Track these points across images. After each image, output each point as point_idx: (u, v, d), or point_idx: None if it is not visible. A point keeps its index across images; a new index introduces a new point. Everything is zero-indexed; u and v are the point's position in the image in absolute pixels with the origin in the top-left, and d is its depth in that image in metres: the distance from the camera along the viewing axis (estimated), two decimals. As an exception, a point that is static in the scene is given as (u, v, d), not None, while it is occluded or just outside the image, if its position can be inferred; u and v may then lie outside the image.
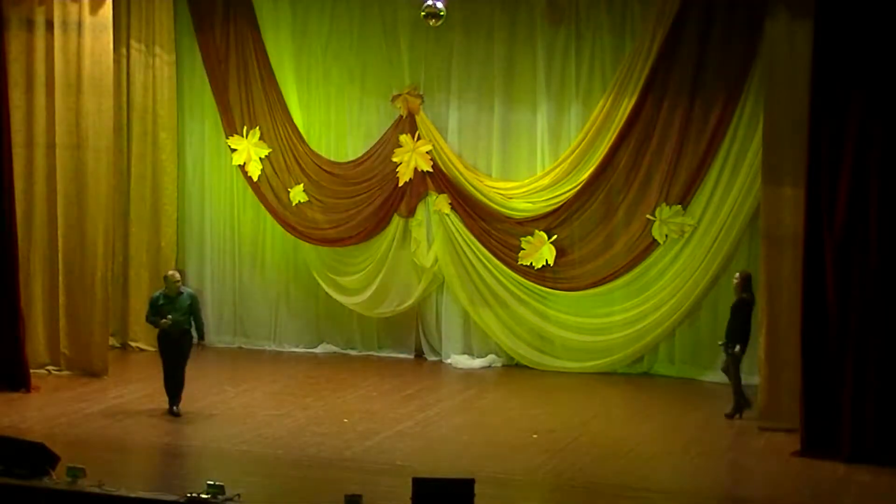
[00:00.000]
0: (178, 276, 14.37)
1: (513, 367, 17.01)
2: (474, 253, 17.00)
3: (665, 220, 16.17)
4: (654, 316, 16.26)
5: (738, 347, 14.13)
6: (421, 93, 17.19)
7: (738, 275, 14.53)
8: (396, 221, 17.32)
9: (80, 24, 15.81)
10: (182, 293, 14.06)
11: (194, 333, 14.12)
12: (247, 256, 18.15)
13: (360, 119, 17.60)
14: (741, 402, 14.24)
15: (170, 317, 13.80)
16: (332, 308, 17.79)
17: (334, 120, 17.71)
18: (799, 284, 13.06)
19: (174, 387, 14.03)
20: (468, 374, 16.84)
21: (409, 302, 17.39)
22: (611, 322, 16.57)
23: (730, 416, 14.23)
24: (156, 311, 13.92)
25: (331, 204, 17.52)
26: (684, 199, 16.11)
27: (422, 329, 17.66)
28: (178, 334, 13.94)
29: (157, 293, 14.24)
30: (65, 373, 15.95)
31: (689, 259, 16.15)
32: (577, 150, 16.53)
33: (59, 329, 16.01)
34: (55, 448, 10.68)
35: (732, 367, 14.24)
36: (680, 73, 16.01)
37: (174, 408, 13.97)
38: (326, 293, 17.65)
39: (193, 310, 14.07)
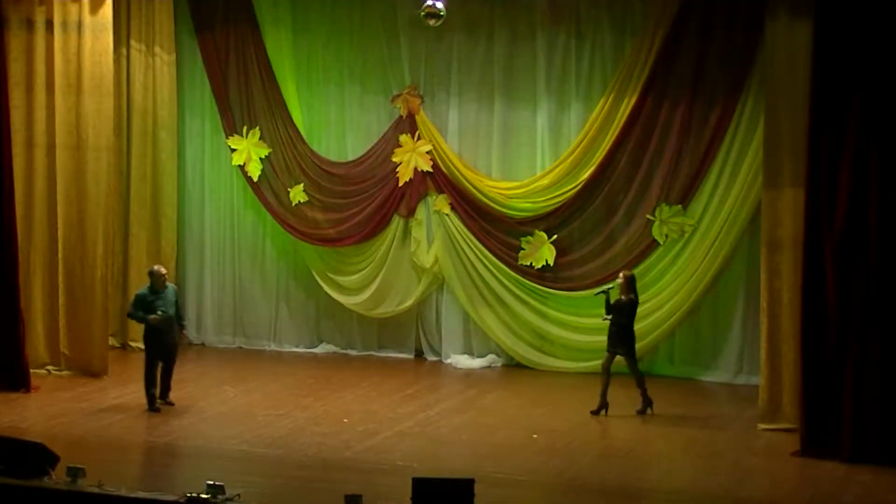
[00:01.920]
0: (164, 270, 14.54)
1: (513, 367, 17.01)
2: (474, 253, 17.01)
3: (665, 220, 16.18)
4: (653, 316, 16.24)
5: (627, 350, 14.35)
6: (421, 93, 17.19)
7: (621, 275, 14.59)
8: (396, 221, 17.33)
9: (80, 24, 15.81)
10: (167, 287, 14.27)
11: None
12: (247, 256, 18.15)
13: (360, 119, 17.60)
14: (649, 398, 14.39)
15: (161, 311, 14.02)
16: (332, 308, 17.79)
17: (334, 120, 17.72)
18: (799, 284, 13.06)
19: (165, 379, 14.19)
20: (468, 374, 16.84)
21: (409, 302, 17.39)
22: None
23: (641, 412, 14.36)
24: (145, 307, 14.07)
25: (331, 204, 17.53)
26: (684, 199, 16.12)
27: (422, 329, 17.66)
28: (167, 327, 14.12)
29: (142, 290, 14.38)
30: (65, 373, 15.95)
31: (689, 259, 16.16)
32: (577, 150, 16.53)
33: (59, 329, 16.01)
34: (55, 448, 10.67)
35: (633, 366, 14.39)
36: (680, 73, 16.02)
37: (164, 399, 14.13)
38: (326, 293, 17.65)
39: (178, 300, 14.48)
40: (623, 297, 14.39)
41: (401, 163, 17.19)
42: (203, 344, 18.17)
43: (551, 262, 16.62)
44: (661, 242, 16.24)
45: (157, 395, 14.19)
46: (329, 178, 17.55)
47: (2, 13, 15.37)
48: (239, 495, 10.03)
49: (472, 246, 17.01)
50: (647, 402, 14.39)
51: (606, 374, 14.41)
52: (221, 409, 14.36)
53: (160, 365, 14.20)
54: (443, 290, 17.43)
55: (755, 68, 15.40)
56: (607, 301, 14.47)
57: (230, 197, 18.13)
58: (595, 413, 14.36)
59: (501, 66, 16.90)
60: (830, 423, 12.73)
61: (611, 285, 14.63)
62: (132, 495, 10.23)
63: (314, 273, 17.70)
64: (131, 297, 17.27)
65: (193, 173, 18.22)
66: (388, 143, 17.33)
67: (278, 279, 18.10)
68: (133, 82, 17.57)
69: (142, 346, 17.09)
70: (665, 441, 13.59)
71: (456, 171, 17.00)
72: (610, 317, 14.43)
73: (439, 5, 14.80)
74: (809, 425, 12.84)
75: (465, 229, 17.02)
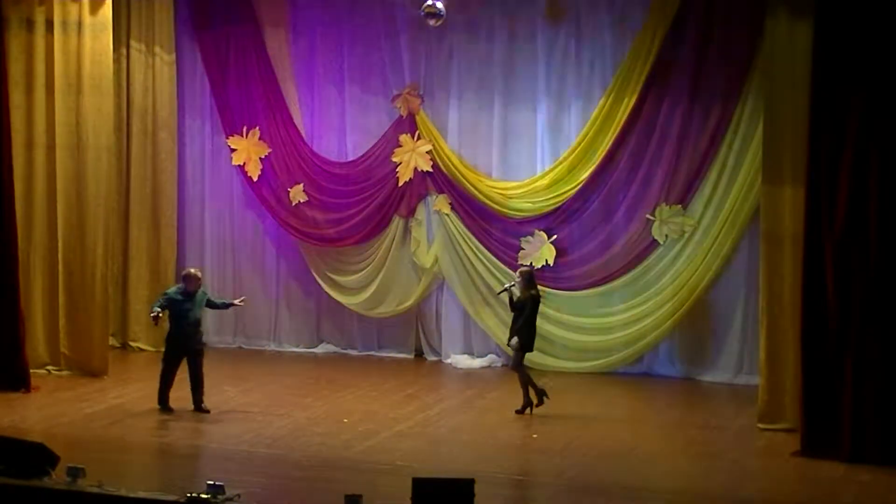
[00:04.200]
0: (200, 274, 14.47)
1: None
2: (474, 253, 17.01)
3: (665, 220, 16.18)
4: (654, 316, 16.25)
5: (523, 345, 14.24)
6: (421, 93, 17.20)
7: (518, 272, 14.56)
8: (396, 221, 17.33)
9: (80, 24, 15.80)
10: (199, 289, 14.22)
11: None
12: (247, 256, 18.16)
13: (360, 119, 17.60)
14: (529, 398, 14.28)
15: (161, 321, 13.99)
16: (332, 308, 17.79)
17: (334, 120, 17.72)
18: (799, 284, 13.06)
19: (194, 387, 14.02)
20: (468, 374, 16.85)
21: (409, 302, 17.40)
22: (611, 322, 16.57)
23: (520, 412, 14.27)
24: (174, 308, 13.97)
25: (331, 204, 17.53)
26: (684, 199, 16.12)
27: (422, 329, 17.67)
28: (192, 332, 14.05)
29: (173, 289, 14.30)
30: (65, 373, 15.95)
31: (689, 259, 16.16)
32: (577, 150, 16.54)
33: (59, 329, 16.00)
34: (55, 448, 10.66)
35: (518, 363, 14.33)
36: (680, 73, 16.02)
37: (199, 408, 14.01)
38: (326, 293, 17.66)
39: (210, 299, 14.39)
40: (522, 295, 14.31)
41: (401, 163, 17.19)
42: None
43: (551, 262, 16.61)
44: (661, 242, 16.24)
45: (168, 399, 14.11)
46: (329, 178, 17.56)
47: (2, 13, 15.36)
48: (239, 495, 10.02)
49: (472, 246, 17.02)
50: (527, 404, 14.28)
51: (520, 371, 14.38)
52: (221, 409, 14.35)
53: (189, 372, 14.03)
54: (443, 290, 17.44)
55: (755, 68, 15.40)
56: (511, 300, 14.38)
57: (230, 197, 18.13)
58: (520, 412, 14.31)
59: (501, 66, 16.90)
60: (830, 423, 12.72)
61: (512, 283, 14.54)
62: (132, 495, 10.21)
63: (314, 273, 17.70)
64: (131, 297, 17.52)
65: (193, 173, 18.22)
66: (388, 143, 17.34)
67: (278, 279, 18.10)
68: (133, 82, 17.57)
69: (142, 346, 17.36)
70: (665, 441, 13.58)
71: (456, 171, 17.01)
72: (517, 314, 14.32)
73: (439, 5, 14.81)
74: (809, 425, 12.83)
75: (465, 229, 17.02)
